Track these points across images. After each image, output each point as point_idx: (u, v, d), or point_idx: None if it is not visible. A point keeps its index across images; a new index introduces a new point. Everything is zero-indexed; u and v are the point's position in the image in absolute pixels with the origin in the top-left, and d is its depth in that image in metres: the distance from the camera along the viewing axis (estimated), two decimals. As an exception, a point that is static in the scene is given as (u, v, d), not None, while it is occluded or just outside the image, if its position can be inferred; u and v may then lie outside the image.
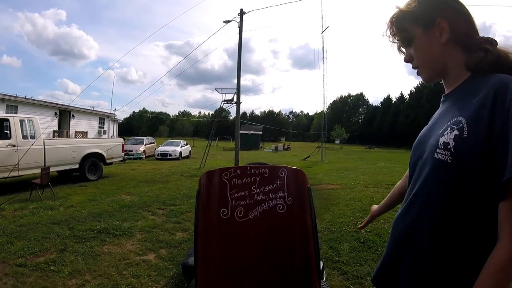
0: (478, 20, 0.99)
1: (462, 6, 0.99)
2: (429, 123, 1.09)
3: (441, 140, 0.89)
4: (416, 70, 1.07)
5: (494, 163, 0.80)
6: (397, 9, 1.04)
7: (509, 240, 0.77)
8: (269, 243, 1.48)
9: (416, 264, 0.95)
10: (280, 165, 1.60)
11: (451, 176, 0.86)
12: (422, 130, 1.09)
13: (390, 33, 1.07)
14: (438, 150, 0.89)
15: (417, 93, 59.94)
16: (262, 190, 1.51)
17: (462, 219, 0.85)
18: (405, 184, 1.23)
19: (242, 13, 14.87)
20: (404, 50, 1.09)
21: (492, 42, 0.95)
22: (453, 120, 0.90)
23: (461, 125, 0.86)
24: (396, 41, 1.07)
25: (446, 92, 1.05)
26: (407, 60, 1.07)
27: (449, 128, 0.89)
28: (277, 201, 1.50)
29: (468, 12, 0.99)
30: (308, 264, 1.49)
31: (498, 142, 0.80)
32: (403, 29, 1.03)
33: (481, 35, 0.98)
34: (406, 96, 67.43)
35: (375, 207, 1.50)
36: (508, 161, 0.77)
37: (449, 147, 0.86)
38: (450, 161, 0.86)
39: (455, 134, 0.86)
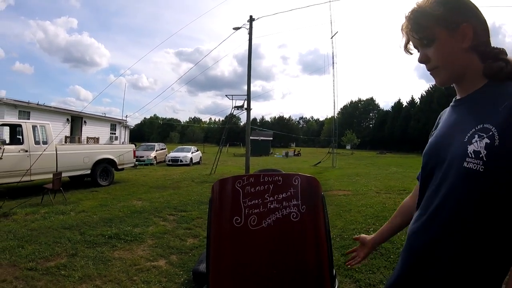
0: (488, 22, 0.98)
1: (481, 14, 0.97)
2: (441, 128, 1.04)
3: (470, 148, 0.85)
4: (427, 72, 1.03)
5: None
6: (416, 5, 1.00)
7: None
8: (282, 251, 1.46)
9: (439, 282, 0.90)
10: (294, 173, 1.59)
11: (483, 186, 0.82)
12: (434, 137, 1.05)
13: (407, 29, 1.02)
14: (468, 159, 0.85)
15: (427, 97, 59.16)
16: (275, 198, 1.49)
17: (493, 231, 0.82)
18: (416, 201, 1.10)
19: (251, 19, 14.94)
20: (411, 49, 1.06)
21: (506, 53, 0.94)
22: (479, 127, 0.86)
23: (491, 133, 0.82)
24: (415, 37, 1.00)
25: (459, 97, 1.02)
26: (422, 61, 1.02)
27: (476, 136, 0.85)
28: (291, 209, 1.48)
29: (485, 20, 0.97)
30: (321, 272, 1.46)
31: None
32: (424, 27, 0.98)
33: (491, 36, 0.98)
34: (417, 100, 66.83)
35: (368, 237, 1.39)
36: None
37: (480, 155, 0.83)
38: (482, 170, 0.82)
39: (486, 143, 0.82)
